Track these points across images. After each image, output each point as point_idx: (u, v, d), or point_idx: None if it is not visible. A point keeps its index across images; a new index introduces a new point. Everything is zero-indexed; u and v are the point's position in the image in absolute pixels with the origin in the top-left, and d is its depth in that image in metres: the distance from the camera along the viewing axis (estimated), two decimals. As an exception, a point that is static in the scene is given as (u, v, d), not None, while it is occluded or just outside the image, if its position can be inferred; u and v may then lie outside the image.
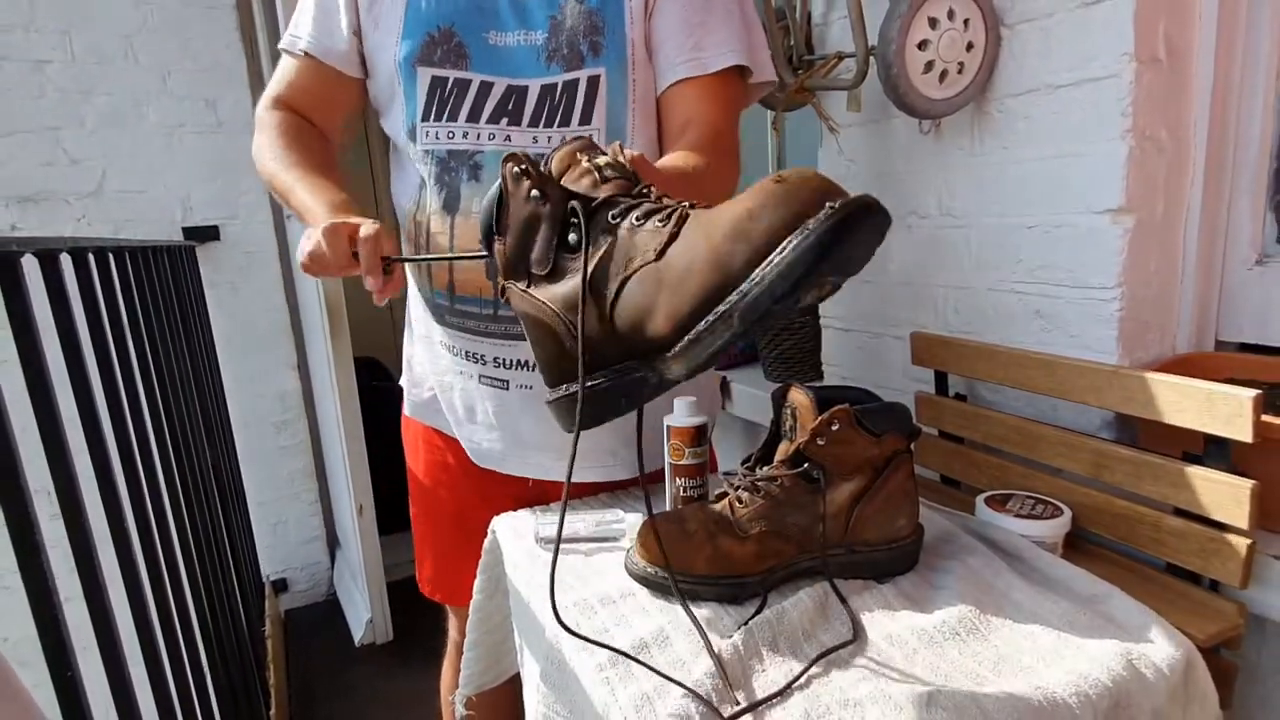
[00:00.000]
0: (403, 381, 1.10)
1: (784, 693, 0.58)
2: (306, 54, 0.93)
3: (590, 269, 0.55)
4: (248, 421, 2.34)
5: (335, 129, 1.01)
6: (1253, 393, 0.71)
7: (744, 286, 0.46)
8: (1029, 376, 0.95)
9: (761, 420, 1.51)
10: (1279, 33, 0.89)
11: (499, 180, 0.61)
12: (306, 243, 0.78)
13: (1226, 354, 0.96)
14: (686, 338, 0.50)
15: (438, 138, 0.89)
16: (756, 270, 0.46)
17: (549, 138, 0.87)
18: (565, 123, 0.87)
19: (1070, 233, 0.97)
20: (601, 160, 0.59)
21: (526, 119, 0.87)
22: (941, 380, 1.11)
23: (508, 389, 0.94)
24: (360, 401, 2.07)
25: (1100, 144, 0.92)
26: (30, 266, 0.85)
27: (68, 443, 0.88)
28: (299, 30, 0.95)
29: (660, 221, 0.53)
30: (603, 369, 0.56)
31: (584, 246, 0.55)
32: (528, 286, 0.60)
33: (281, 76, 0.97)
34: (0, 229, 2.14)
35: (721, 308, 0.47)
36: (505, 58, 0.87)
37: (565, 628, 0.64)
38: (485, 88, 0.87)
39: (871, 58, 1.07)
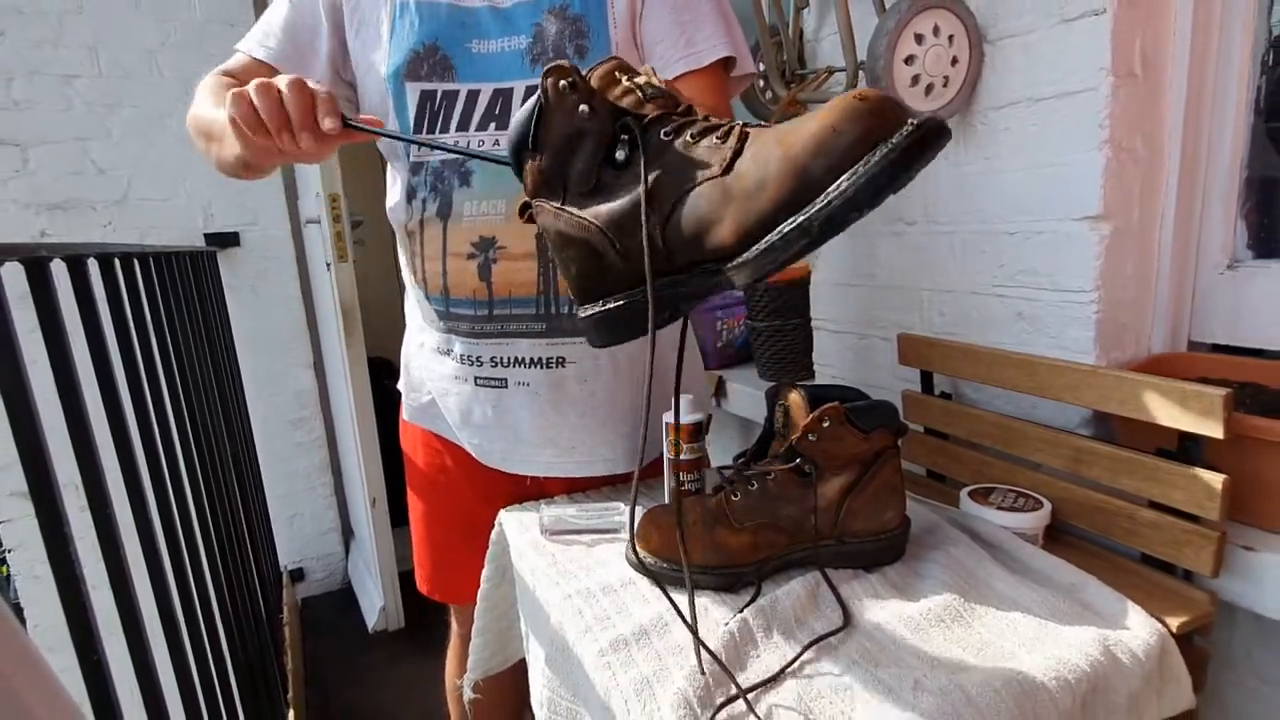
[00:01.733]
0: (400, 385, 1.08)
1: (778, 677, 0.58)
2: (270, 66, 0.88)
3: (650, 183, 0.53)
4: (266, 418, 2.34)
5: None
6: (1224, 391, 0.71)
7: (828, 196, 0.45)
8: (1010, 376, 0.95)
9: (756, 418, 1.51)
10: (1250, 48, 0.89)
11: (538, 94, 0.56)
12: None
13: (1199, 354, 0.96)
14: (758, 247, 0.48)
15: (432, 152, 0.87)
16: (840, 179, 0.44)
17: None
18: None
19: (1050, 239, 0.97)
20: (641, 79, 0.56)
21: (508, 121, 0.85)
22: (927, 379, 1.11)
23: (506, 386, 0.92)
24: (373, 399, 2.07)
25: (1079, 154, 0.92)
26: (59, 271, 0.85)
27: (94, 439, 0.88)
28: (267, 40, 0.90)
29: (719, 139, 0.51)
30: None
31: (643, 161, 0.53)
32: (562, 204, 0.57)
33: (237, 65, 0.90)
34: (30, 235, 2.14)
35: (800, 218, 0.46)
36: (490, 64, 0.86)
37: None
38: (472, 96, 0.86)
39: (861, 72, 1.06)
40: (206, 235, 2.21)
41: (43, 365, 0.80)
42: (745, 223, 0.48)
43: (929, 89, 1.01)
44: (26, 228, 2.17)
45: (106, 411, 0.98)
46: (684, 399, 0.91)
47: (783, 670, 0.58)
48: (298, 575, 2.52)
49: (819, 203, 0.45)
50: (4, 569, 2.29)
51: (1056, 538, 0.89)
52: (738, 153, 0.50)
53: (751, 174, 0.48)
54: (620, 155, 0.54)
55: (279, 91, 0.65)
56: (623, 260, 0.54)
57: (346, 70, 0.92)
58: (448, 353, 0.95)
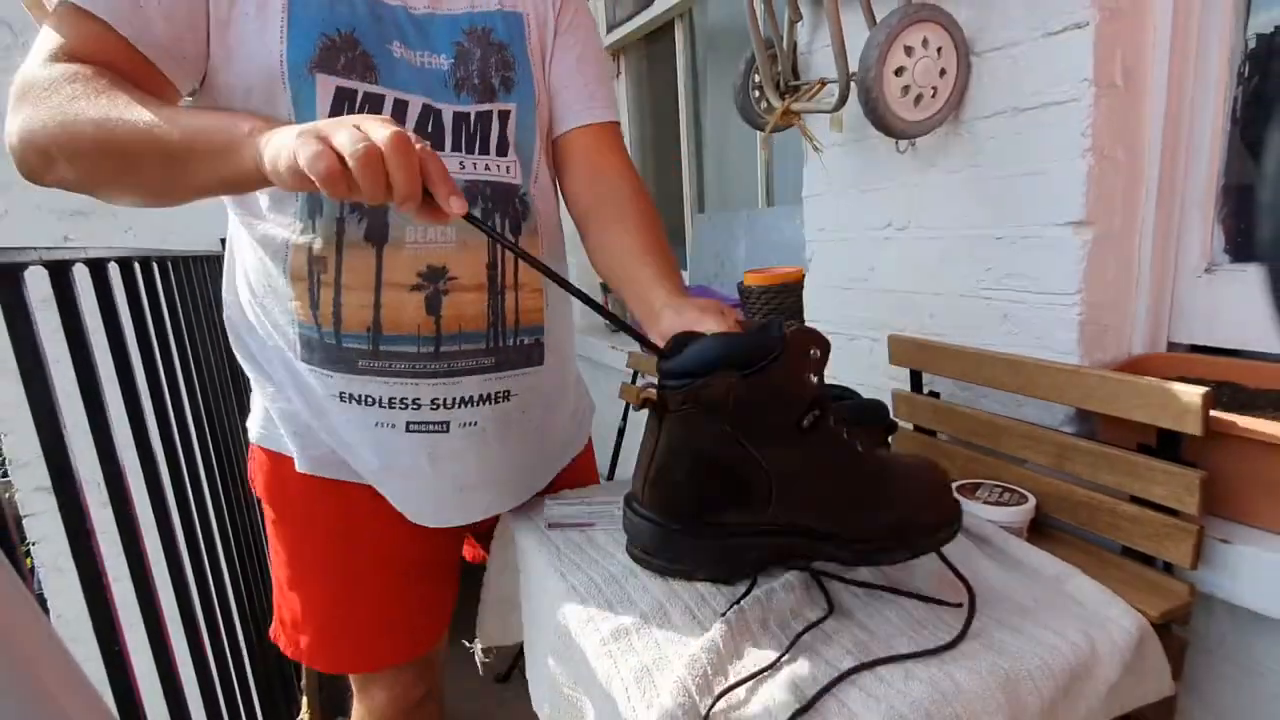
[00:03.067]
0: (261, 431, 0.87)
1: (774, 666, 0.57)
2: (108, 26, 0.63)
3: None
4: (280, 416, 2.33)
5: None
6: (1202, 390, 0.71)
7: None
8: (997, 375, 0.95)
9: (751, 415, 1.50)
10: (1226, 60, 0.89)
11: (778, 334, 0.55)
12: (331, 137, 0.51)
13: (1178, 355, 0.96)
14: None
15: None
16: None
17: (474, 163, 0.77)
18: (485, 151, 0.78)
19: (1035, 243, 0.97)
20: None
21: (448, 144, 0.76)
22: (916, 379, 1.11)
23: (447, 431, 0.79)
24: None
25: (1062, 162, 0.92)
26: (81, 275, 0.85)
27: (115, 436, 0.88)
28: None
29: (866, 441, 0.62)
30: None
31: (826, 434, 0.60)
32: (734, 429, 0.56)
33: (72, 34, 0.63)
34: (54, 240, 2.14)
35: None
36: (414, 76, 0.75)
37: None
38: (401, 105, 0.73)
39: (852, 83, 1.06)
40: (223, 239, 2.21)
41: (65, 365, 0.80)
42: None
43: (918, 99, 1.01)
44: (50, 233, 2.17)
45: (127, 410, 0.98)
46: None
47: (779, 659, 0.58)
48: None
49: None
50: (28, 562, 2.29)
51: (1041, 531, 0.89)
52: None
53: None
54: (806, 423, 0.56)
55: (379, 152, 0.51)
56: (760, 502, 0.57)
57: (189, 46, 0.68)
58: (360, 398, 0.77)
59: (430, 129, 0.75)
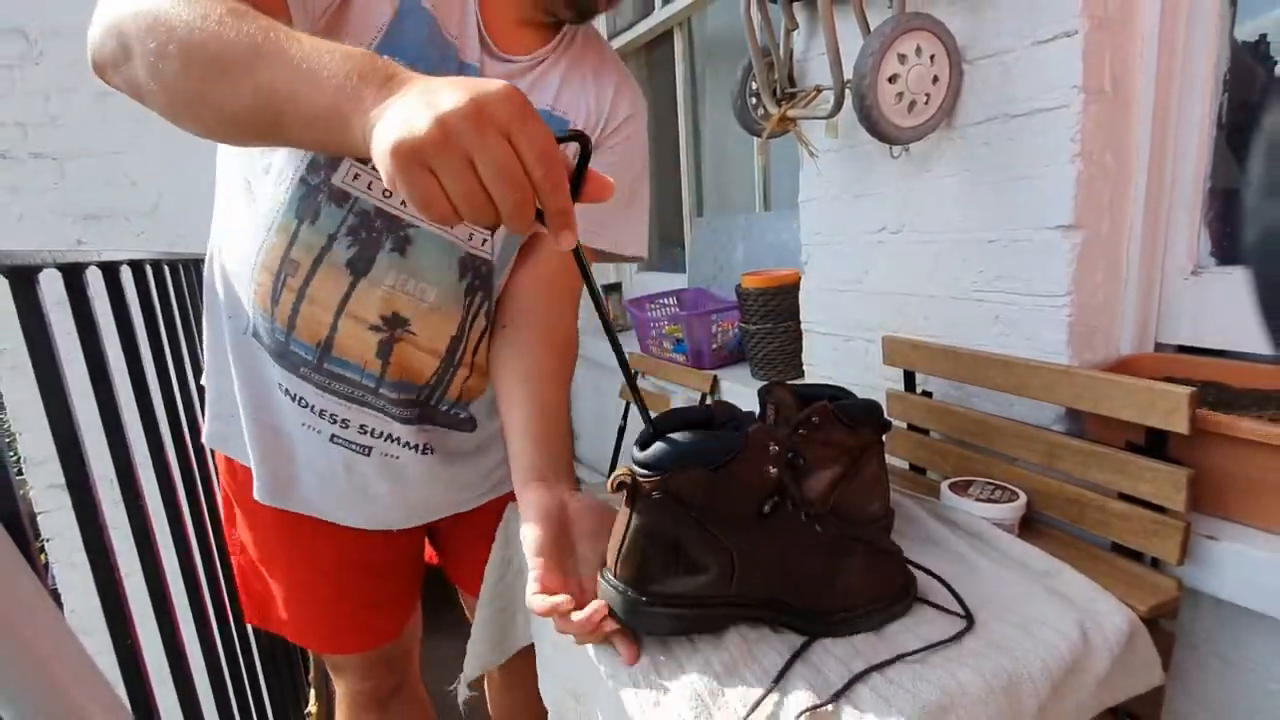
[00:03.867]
0: (209, 431, 0.86)
1: (785, 670, 0.57)
2: None
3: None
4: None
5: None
6: (1189, 390, 0.71)
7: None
8: (988, 375, 0.95)
9: (749, 414, 1.50)
10: (1212, 67, 0.89)
11: (739, 432, 0.56)
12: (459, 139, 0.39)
13: (1165, 355, 0.96)
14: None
15: (370, 187, 0.70)
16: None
17: (483, 240, 0.76)
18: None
19: (1025, 246, 0.97)
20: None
21: None
22: (910, 379, 1.11)
23: (368, 455, 0.80)
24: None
25: (1052, 167, 0.92)
26: (94, 277, 0.85)
27: (128, 435, 0.88)
28: None
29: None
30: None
31: (801, 520, 0.60)
32: (697, 516, 0.56)
33: None
34: (67, 243, 2.14)
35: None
36: None
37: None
38: None
39: (847, 90, 1.06)
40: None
41: (79, 365, 0.80)
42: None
43: (911, 106, 1.01)
44: (63, 236, 2.17)
45: (139, 409, 0.98)
46: (679, 397, 0.91)
47: (790, 662, 0.58)
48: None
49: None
50: (42, 558, 2.29)
51: (1032, 527, 0.89)
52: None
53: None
54: (766, 509, 0.58)
55: (491, 193, 0.41)
56: (724, 579, 0.57)
57: None
58: (296, 397, 0.77)
59: None
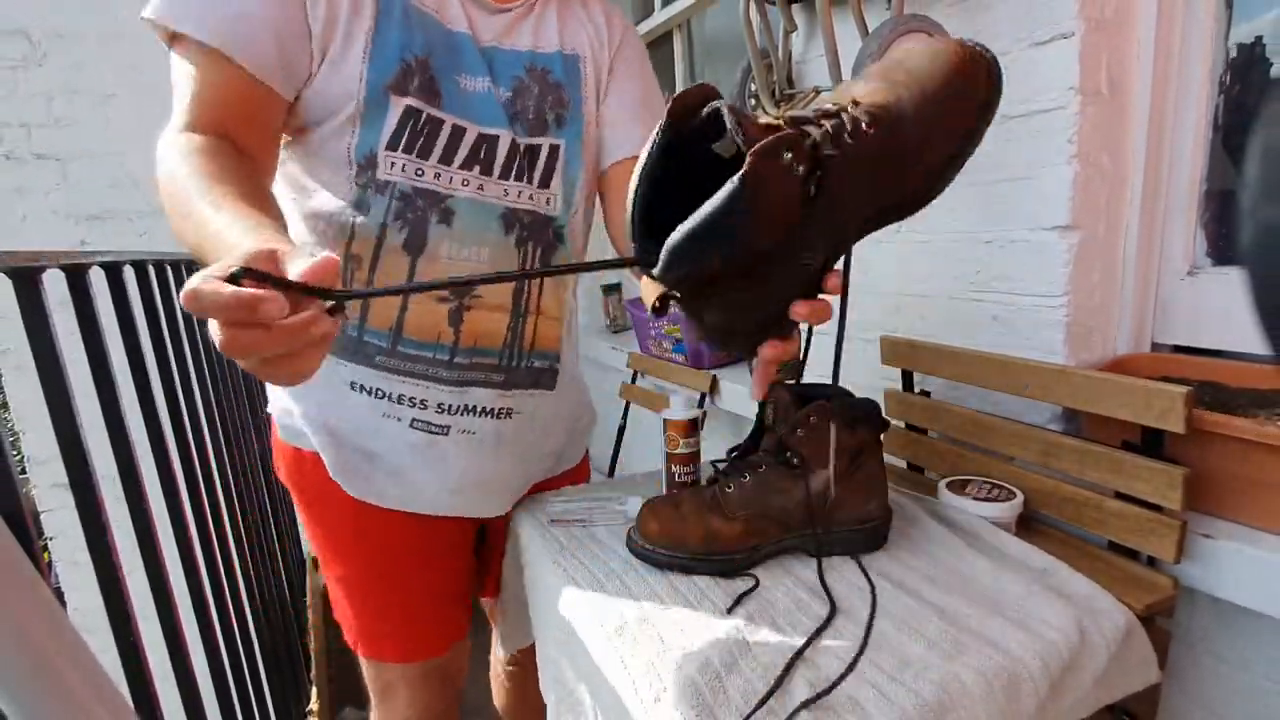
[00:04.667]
0: (288, 427, 0.85)
1: (788, 670, 0.57)
2: (221, 54, 0.64)
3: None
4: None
5: (271, 155, 0.72)
6: (1184, 389, 0.71)
7: None
8: (986, 375, 0.95)
9: (747, 414, 1.50)
10: (1208, 69, 0.89)
11: (737, 183, 0.40)
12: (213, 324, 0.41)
13: (1161, 355, 0.96)
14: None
15: (404, 170, 0.73)
16: None
17: (519, 192, 0.78)
18: (531, 180, 0.79)
19: (1023, 247, 0.97)
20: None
21: (497, 170, 0.77)
22: (908, 378, 1.11)
23: (446, 435, 0.81)
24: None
25: (1049, 168, 0.92)
26: (97, 277, 0.85)
27: (130, 434, 0.88)
28: (209, 8, 0.64)
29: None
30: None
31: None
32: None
33: (194, 88, 0.65)
34: (70, 244, 2.14)
35: None
36: (474, 105, 0.75)
37: None
38: (458, 132, 0.75)
39: (846, 91, 1.06)
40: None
41: (82, 365, 0.80)
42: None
43: (909, 107, 1.01)
44: (67, 236, 2.17)
45: (141, 408, 0.98)
46: (683, 397, 0.91)
47: (793, 660, 0.58)
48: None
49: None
50: (46, 556, 2.29)
51: (1029, 526, 0.89)
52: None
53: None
54: (811, 191, 0.45)
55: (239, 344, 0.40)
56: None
57: (297, 64, 0.69)
58: (371, 390, 0.79)
59: (482, 155, 0.76)
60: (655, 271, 0.44)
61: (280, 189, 0.78)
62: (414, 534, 0.86)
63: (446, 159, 0.75)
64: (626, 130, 0.85)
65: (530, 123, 0.79)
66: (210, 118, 0.65)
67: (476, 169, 0.76)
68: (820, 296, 0.51)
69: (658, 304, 0.48)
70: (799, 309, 0.50)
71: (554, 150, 0.80)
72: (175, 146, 0.63)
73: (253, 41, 0.65)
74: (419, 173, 0.74)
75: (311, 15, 0.68)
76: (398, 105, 0.72)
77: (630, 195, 0.46)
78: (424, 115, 0.73)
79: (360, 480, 0.82)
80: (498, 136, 0.76)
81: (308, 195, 0.76)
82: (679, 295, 0.47)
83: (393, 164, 0.73)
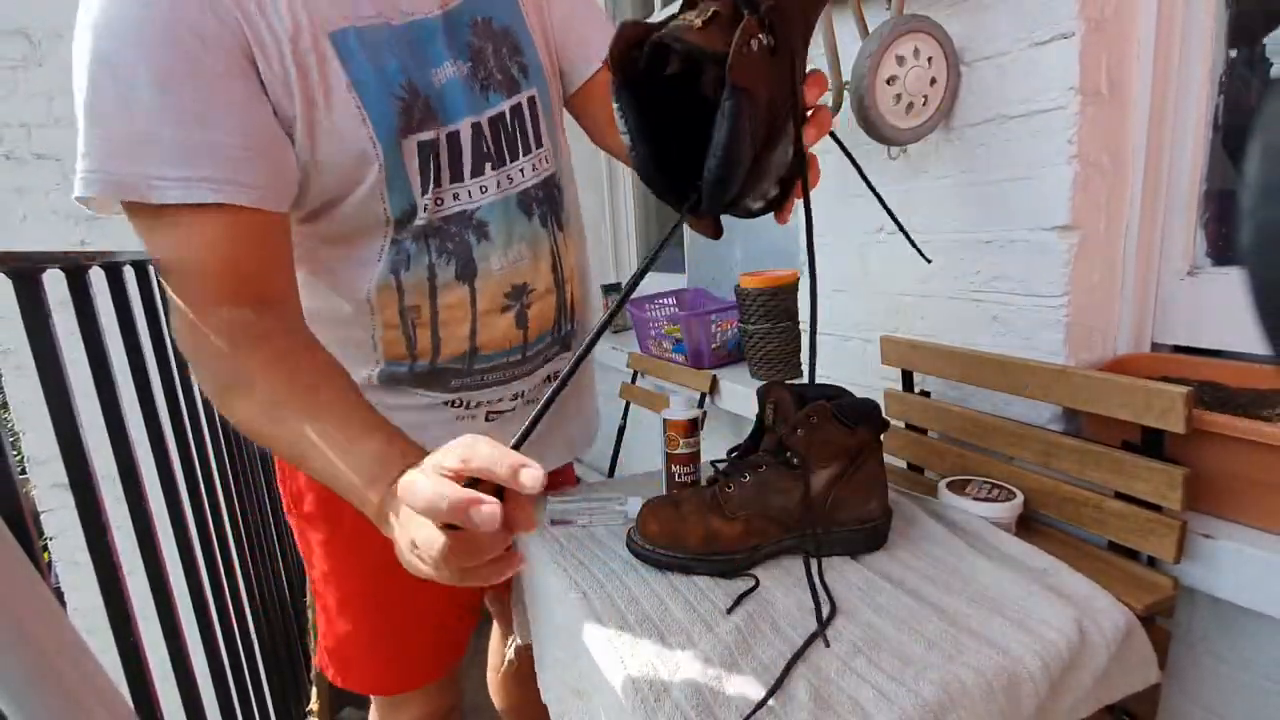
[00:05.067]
0: None
1: (788, 670, 0.57)
2: (216, 206, 0.56)
3: None
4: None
5: (294, 287, 0.66)
6: (1184, 389, 0.71)
7: None
8: (985, 375, 0.95)
9: (747, 414, 1.50)
10: (1208, 69, 0.89)
11: (729, 107, 0.43)
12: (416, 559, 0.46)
13: (1161, 355, 0.96)
14: None
15: (441, 203, 0.69)
16: None
17: (521, 168, 0.75)
18: (526, 149, 0.75)
19: (1022, 247, 0.97)
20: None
21: (499, 157, 0.73)
22: (908, 378, 1.11)
23: (515, 411, 0.83)
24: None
25: (1049, 168, 0.92)
26: (97, 277, 0.85)
27: (130, 434, 0.88)
28: (196, 166, 0.55)
29: None
30: None
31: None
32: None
33: (194, 256, 0.57)
34: (70, 244, 2.14)
35: None
36: (454, 99, 0.69)
37: None
38: (453, 138, 0.69)
39: (845, 91, 1.06)
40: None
41: (82, 365, 0.80)
42: None
43: (910, 107, 1.01)
44: (67, 236, 2.17)
45: (141, 408, 0.98)
46: (683, 397, 0.91)
47: (792, 662, 0.58)
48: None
49: None
50: (46, 556, 2.29)
51: (1029, 526, 0.89)
52: None
53: None
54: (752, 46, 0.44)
55: (456, 572, 0.45)
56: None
57: (287, 170, 0.62)
58: (444, 403, 0.78)
59: (485, 149, 0.71)
60: (704, 209, 0.47)
61: (301, 275, 0.72)
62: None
63: (460, 175, 0.71)
64: (584, 38, 0.80)
65: (501, 84, 0.72)
66: (229, 288, 0.58)
67: (488, 167, 0.72)
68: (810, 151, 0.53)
69: (708, 225, 0.50)
70: (810, 135, 0.51)
71: (531, 103, 0.75)
72: (215, 355, 0.58)
73: (244, 172, 0.57)
74: (440, 201, 0.70)
75: (276, 96, 0.59)
76: (411, 146, 0.66)
77: (637, 167, 0.47)
78: (433, 141, 0.68)
79: None
80: (484, 121, 0.71)
81: (336, 274, 0.71)
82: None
83: (426, 206, 0.69)
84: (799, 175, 0.52)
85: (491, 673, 1.19)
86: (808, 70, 0.51)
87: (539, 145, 0.76)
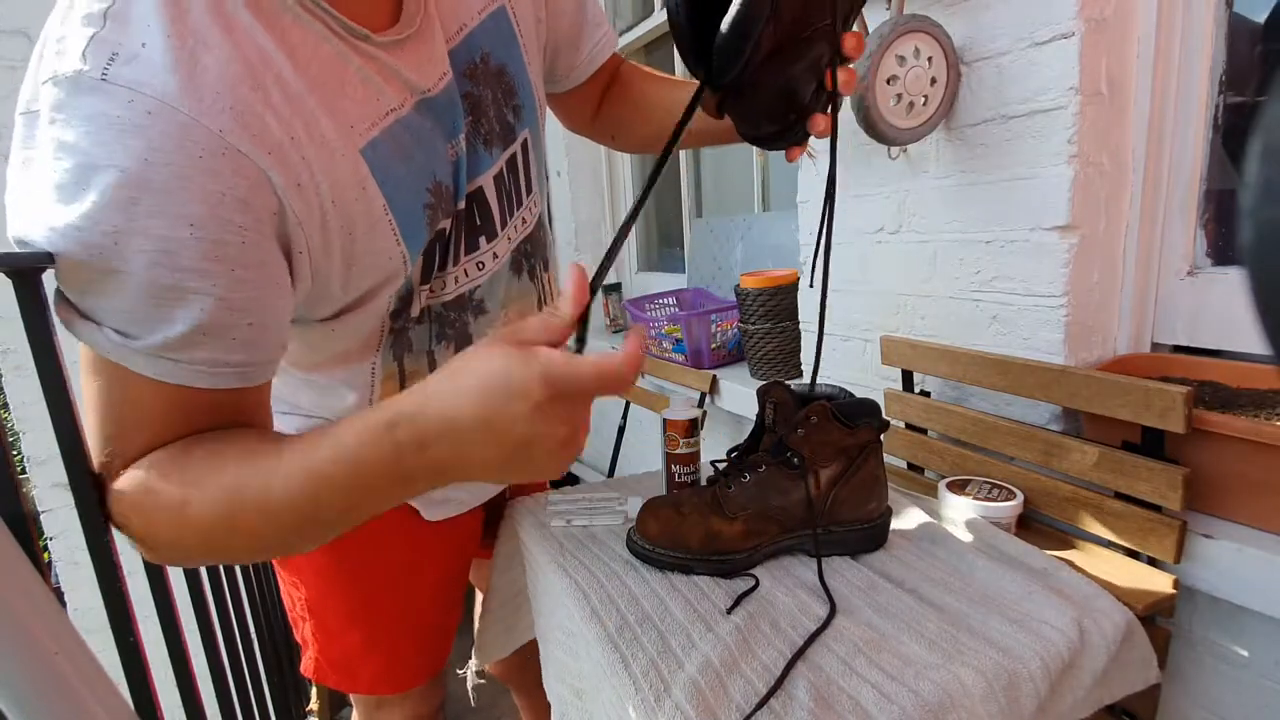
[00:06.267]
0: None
1: (788, 670, 0.57)
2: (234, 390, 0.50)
3: None
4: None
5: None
6: (1184, 389, 0.71)
7: None
8: (986, 375, 0.95)
9: (747, 414, 1.50)
10: (1209, 70, 0.89)
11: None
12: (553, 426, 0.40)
13: (1161, 355, 0.96)
14: None
15: (444, 287, 0.66)
16: None
17: (515, 226, 0.71)
18: (519, 203, 0.72)
19: (1022, 247, 0.97)
20: None
21: (495, 224, 0.68)
22: (908, 378, 1.11)
23: None
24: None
25: (1048, 168, 0.92)
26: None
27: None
28: (221, 354, 0.48)
29: None
30: None
31: None
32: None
33: (160, 410, 0.50)
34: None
35: None
36: (463, 168, 0.63)
37: None
38: (461, 217, 0.64)
39: (846, 91, 1.06)
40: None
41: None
42: None
43: (910, 107, 1.01)
44: (66, 237, 2.17)
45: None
46: (679, 397, 0.91)
47: (792, 661, 0.58)
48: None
49: None
50: (46, 556, 2.29)
51: (1029, 526, 0.89)
52: None
53: None
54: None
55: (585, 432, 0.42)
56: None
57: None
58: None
59: (479, 221, 0.67)
60: (712, 75, 0.49)
61: (287, 377, 0.68)
62: (444, 533, 0.85)
63: (458, 257, 0.65)
64: (588, 33, 0.79)
65: (499, 135, 0.67)
66: (186, 432, 0.50)
67: (482, 240, 0.67)
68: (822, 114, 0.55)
69: (717, 111, 0.51)
70: (841, 78, 0.53)
71: (524, 147, 0.71)
72: (152, 483, 0.49)
73: (269, 351, 0.51)
74: (443, 285, 0.66)
75: (310, 244, 0.51)
76: (427, 240, 0.61)
77: (671, 12, 0.49)
78: (444, 230, 0.63)
79: (436, 506, 0.81)
80: (481, 187, 0.66)
81: (331, 374, 0.67)
82: (736, 91, 0.51)
83: (422, 295, 0.65)
84: (821, 108, 0.55)
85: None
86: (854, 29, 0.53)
87: (529, 191, 0.73)
